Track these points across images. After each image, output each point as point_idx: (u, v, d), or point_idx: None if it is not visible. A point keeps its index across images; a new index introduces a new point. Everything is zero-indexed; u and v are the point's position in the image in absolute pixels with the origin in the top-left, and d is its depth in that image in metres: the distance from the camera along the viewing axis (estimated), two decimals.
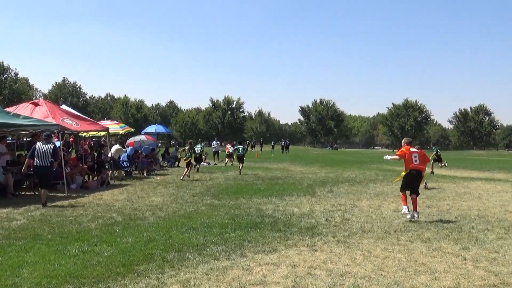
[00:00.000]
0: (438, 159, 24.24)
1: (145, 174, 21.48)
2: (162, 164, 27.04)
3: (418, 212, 10.18)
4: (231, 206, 11.84)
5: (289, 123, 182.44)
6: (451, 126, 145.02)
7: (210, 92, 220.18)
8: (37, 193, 13.99)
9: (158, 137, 36.90)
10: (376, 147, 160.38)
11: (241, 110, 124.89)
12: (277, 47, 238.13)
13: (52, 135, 13.39)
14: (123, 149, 20.63)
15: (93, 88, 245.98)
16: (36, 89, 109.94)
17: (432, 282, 5.76)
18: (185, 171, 19.76)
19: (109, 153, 19.18)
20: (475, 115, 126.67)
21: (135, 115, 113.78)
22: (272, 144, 70.90)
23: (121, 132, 27.20)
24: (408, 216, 10.15)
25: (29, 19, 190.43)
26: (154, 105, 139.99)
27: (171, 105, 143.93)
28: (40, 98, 30.58)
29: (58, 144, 14.88)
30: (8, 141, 17.49)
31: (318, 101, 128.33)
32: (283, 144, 64.96)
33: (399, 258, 6.89)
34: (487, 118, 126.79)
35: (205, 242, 7.71)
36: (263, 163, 32.25)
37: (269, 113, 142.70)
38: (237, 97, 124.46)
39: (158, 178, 19.92)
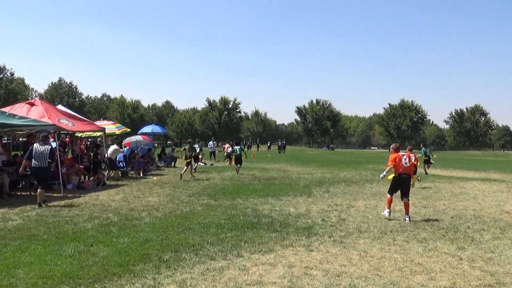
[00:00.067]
0: (427, 162, 24.03)
1: (141, 174, 21.44)
2: (158, 164, 27.01)
3: (409, 217, 10.18)
4: (228, 206, 11.84)
5: (286, 123, 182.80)
6: (447, 127, 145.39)
7: (207, 92, 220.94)
8: (33, 193, 13.94)
9: (154, 137, 36.74)
10: (373, 148, 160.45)
11: (237, 110, 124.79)
12: (273, 48, 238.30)
13: (49, 135, 13.36)
14: (121, 150, 20.59)
15: (89, 88, 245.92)
16: (32, 89, 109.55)
17: (428, 282, 5.78)
18: (187, 169, 19.95)
19: (106, 153, 19.15)
20: (471, 116, 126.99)
21: (132, 115, 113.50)
22: (269, 144, 70.90)
23: (117, 132, 27.11)
24: (387, 216, 10.32)
25: (25, 19, 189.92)
26: (150, 105, 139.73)
27: (168, 105, 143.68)
28: (36, 98, 30.56)
29: (54, 144, 14.83)
30: (3, 141, 17.44)
31: (314, 101, 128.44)
32: (279, 145, 64.99)
33: (395, 258, 6.91)
34: (483, 119, 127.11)
35: (202, 242, 7.71)
36: (259, 163, 32.25)
37: (265, 113, 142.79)
38: (234, 97, 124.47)
39: (155, 178, 19.90)
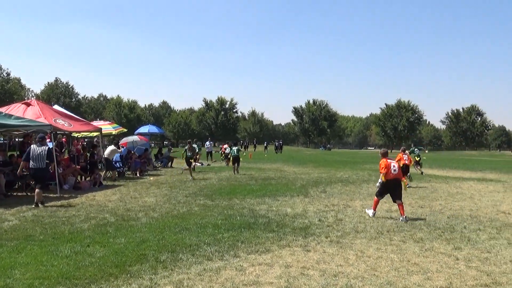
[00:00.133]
0: (417, 163, 23.99)
1: (138, 175, 21.42)
2: (155, 164, 26.96)
3: (406, 217, 10.22)
4: (225, 207, 11.83)
5: (283, 124, 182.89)
6: (443, 127, 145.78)
7: (204, 92, 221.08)
8: (29, 193, 13.92)
9: (151, 137, 36.76)
10: (369, 148, 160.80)
11: (234, 110, 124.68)
12: (270, 48, 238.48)
13: (45, 136, 13.34)
14: (118, 150, 20.57)
15: (86, 88, 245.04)
16: (28, 89, 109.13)
17: (424, 282, 5.79)
18: (190, 169, 20.21)
19: (102, 154, 19.11)
20: (467, 116, 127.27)
21: (128, 115, 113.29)
22: (265, 144, 70.90)
23: (114, 132, 27.08)
24: (370, 215, 10.55)
25: (21, 19, 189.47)
26: (147, 106, 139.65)
27: (164, 106, 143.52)
28: (32, 98, 30.39)
29: (50, 145, 14.79)
30: (0, 142, 17.39)
31: (311, 102, 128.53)
32: (276, 145, 65.01)
33: (392, 258, 6.92)
34: (479, 119, 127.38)
35: (198, 242, 7.70)
36: (256, 164, 32.23)
37: (262, 114, 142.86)
38: (231, 98, 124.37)
39: (151, 178, 19.87)
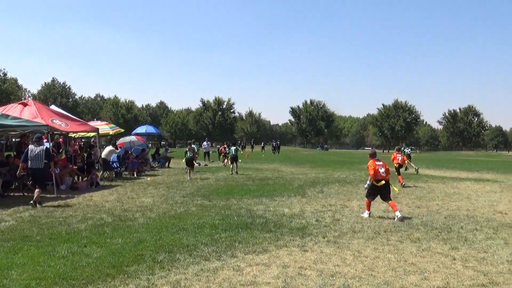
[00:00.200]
0: (409, 157, 24.35)
1: (135, 175, 21.39)
2: (152, 164, 26.93)
3: (400, 211, 10.37)
4: (222, 207, 11.83)
5: (280, 124, 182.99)
6: (440, 127, 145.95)
7: (201, 92, 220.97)
8: (26, 194, 13.89)
9: (148, 137, 36.67)
10: (367, 148, 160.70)
11: (231, 110, 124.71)
12: (267, 48, 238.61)
13: (42, 136, 13.31)
14: (116, 150, 20.54)
15: (83, 88, 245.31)
16: (25, 89, 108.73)
17: (421, 282, 5.80)
18: (189, 169, 20.25)
19: (99, 154, 19.07)
20: (464, 116, 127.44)
21: (125, 115, 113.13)
22: (262, 144, 70.89)
23: (111, 132, 27.01)
24: (366, 217, 10.56)
25: (18, 19, 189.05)
26: (144, 106, 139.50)
27: (162, 106, 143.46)
28: (29, 99, 30.33)
29: (47, 145, 14.76)
30: None
31: (308, 102, 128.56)
32: (273, 145, 65.00)
33: (389, 258, 6.93)
34: (476, 119, 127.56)
35: (196, 243, 7.70)
36: (253, 164, 32.24)
37: (259, 114, 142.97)
38: (228, 98, 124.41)
39: (148, 179, 19.85)
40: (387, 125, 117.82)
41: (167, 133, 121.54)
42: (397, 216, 10.15)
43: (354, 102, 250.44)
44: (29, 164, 12.06)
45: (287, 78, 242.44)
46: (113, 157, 20.56)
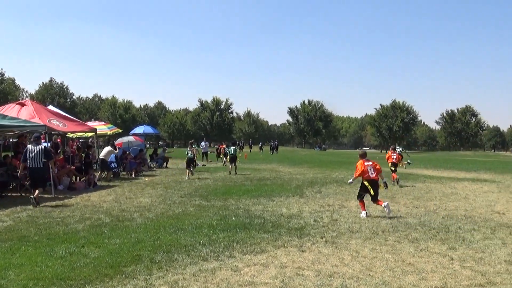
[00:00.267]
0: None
1: (133, 175, 21.36)
2: (150, 165, 26.91)
3: (387, 204, 10.64)
4: (220, 207, 11.82)
5: (278, 124, 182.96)
6: (438, 127, 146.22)
7: (199, 93, 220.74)
8: (23, 194, 13.86)
9: (146, 138, 36.62)
10: (364, 148, 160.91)
11: (229, 111, 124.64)
12: (265, 49, 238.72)
13: (41, 136, 13.30)
14: (115, 151, 20.53)
15: (81, 88, 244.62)
16: (23, 89, 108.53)
17: (419, 282, 5.80)
18: (188, 169, 20.40)
19: (97, 155, 19.04)
20: (462, 116, 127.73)
21: (123, 115, 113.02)
22: (260, 145, 70.85)
23: (109, 133, 27.01)
24: (365, 216, 10.62)
25: (16, 19, 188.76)
26: (142, 106, 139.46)
27: (160, 106, 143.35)
28: (26, 99, 30.25)
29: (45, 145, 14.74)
30: None
31: (306, 102, 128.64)
32: (271, 145, 65.00)
33: (387, 258, 6.93)
34: (473, 119, 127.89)
35: (194, 243, 7.69)
36: (251, 164, 32.24)
37: (257, 114, 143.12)
38: (226, 98, 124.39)
39: (146, 179, 19.83)
40: (385, 125, 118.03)
41: (165, 134, 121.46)
42: (383, 205, 10.56)
43: (352, 102, 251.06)
44: (28, 163, 12.04)
45: (285, 79, 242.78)
46: (111, 157, 20.55)
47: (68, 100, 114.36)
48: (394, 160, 18.97)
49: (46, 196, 13.47)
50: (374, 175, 10.83)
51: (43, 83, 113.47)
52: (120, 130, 32.38)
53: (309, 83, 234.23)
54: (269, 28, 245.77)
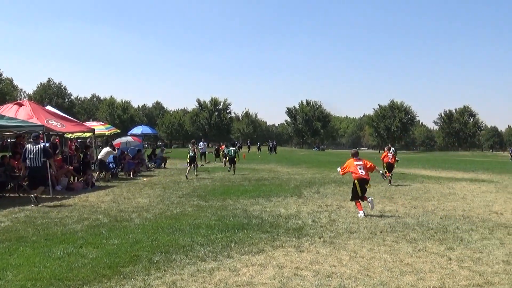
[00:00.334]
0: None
1: (131, 176, 21.36)
2: (148, 165, 26.90)
3: (371, 200, 10.98)
4: (218, 207, 11.82)
5: (276, 124, 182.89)
6: (436, 127, 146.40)
7: (197, 93, 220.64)
8: (21, 194, 13.84)
9: (144, 138, 36.61)
10: (363, 148, 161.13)
11: (228, 111, 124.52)
12: (264, 49, 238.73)
13: (39, 135, 13.29)
14: (114, 151, 20.52)
15: (79, 89, 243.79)
16: (21, 89, 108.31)
17: (417, 282, 5.81)
18: (191, 169, 20.78)
19: (96, 155, 19.02)
20: (459, 116, 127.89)
21: (121, 116, 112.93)
22: (258, 145, 70.86)
23: (107, 133, 26.98)
24: (363, 216, 10.63)
25: (14, 19, 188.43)
26: (140, 106, 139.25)
27: (158, 106, 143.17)
28: (24, 99, 30.23)
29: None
30: None
31: (304, 102, 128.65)
32: (270, 145, 64.98)
33: (385, 258, 6.93)
34: (471, 119, 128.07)
35: (192, 243, 7.69)
36: (250, 164, 32.25)
37: (256, 114, 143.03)
38: (224, 98, 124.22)
39: (145, 179, 19.82)
40: (383, 125, 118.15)
41: (163, 134, 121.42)
42: (369, 199, 10.84)
43: (350, 103, 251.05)
44: (27, 163, 12.04)
45: (283, 79, 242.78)
46: (110, 157, 20.54)
47: (66, 100, 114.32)
48: (390, 160, 19.09)
49: (44, 196, 13.44)
50: (364, 174, 11.01)
51: (41, 83, 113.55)
52: (118, 131, 32.35)
53: (307, 83, 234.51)
54: (267, 28, 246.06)
